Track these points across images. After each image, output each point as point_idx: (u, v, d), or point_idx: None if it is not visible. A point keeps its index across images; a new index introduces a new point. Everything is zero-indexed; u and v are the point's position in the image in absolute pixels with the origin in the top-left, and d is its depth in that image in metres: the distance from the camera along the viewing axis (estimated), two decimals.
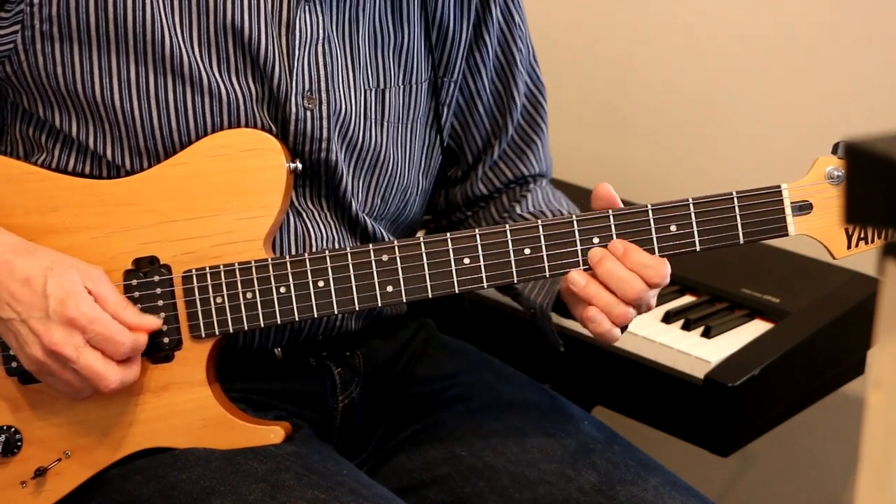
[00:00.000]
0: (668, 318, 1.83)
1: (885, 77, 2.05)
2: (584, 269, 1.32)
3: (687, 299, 1.90)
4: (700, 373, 1.71)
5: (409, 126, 1.48)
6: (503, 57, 1.54)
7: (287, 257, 1.32)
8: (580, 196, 2.15)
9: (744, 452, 1.98)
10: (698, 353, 1.74)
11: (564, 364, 1.84)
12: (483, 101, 1.55)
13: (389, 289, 1.32)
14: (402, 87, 1.46)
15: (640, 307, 1.33)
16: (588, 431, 1.44)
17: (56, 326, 1.26)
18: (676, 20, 2.27)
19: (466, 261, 1.31)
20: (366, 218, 1.44)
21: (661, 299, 1.88)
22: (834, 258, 1.33)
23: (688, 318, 1.81)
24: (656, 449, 1.61)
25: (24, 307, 1.27)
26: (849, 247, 1.32)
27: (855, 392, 2.03)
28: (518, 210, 1.54)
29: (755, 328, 1.82)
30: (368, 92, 1.43)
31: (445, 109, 1.51)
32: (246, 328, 1.33)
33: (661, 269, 1.31)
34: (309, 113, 1.37)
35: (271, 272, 1.32)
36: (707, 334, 1.78)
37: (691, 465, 2.04)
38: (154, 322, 1.31)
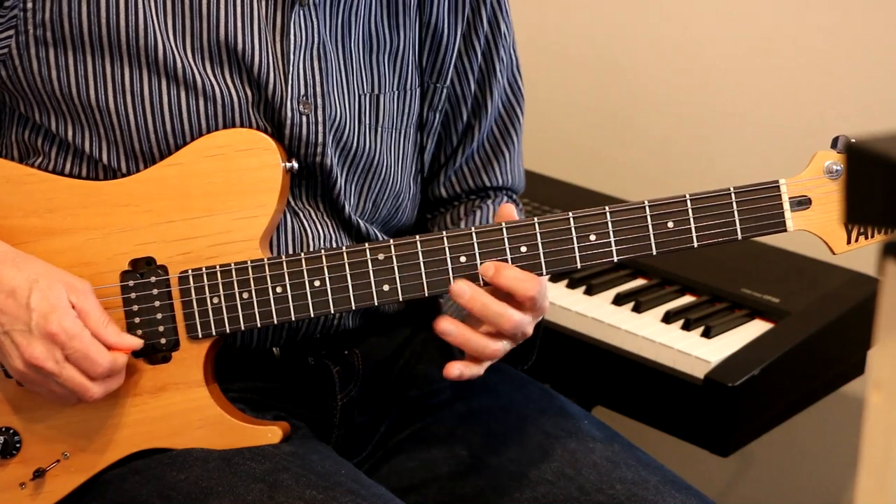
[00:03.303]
0: (668, 318, 1.83)
1: (885, 76, 2.04)
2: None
3: (687, 299, 1.90)
4: (700, 373, 1.71)
5: (403, 131, 1.48)
6: (484, 64, 1.53)
7: (283, 257, 1.32)
8: (580, 196, 2.16)
9: (744, 452, 1.98)
10: (698, 353, 1.73)
11: (564, 364, 1.84)
12: (467, 106, 1.54)
13: (386, 287, 1.31)
14: (396, 92, 1.46)
15: (516, 338, 1.31)
16: (588, 431, 1.44)
17: (37, 341, 1.26)
18: (675, 19, 2.27)
19: (462, 259, 1.31)
20: (358, 220, 1.44)
21: (661, 299, 1.89)
22: (833, 253, 1.32)
23: (688, 318, 1.81)
24: (656, 449, 1.61)
25: (7, 319, 1.27)
26: (848, 242, 1.31)
27: (855, 392, 2.03)
28: (462, 225, 1.54)
29: (755, 328, 1.81)
30: (363, 97, 1.43)
31: (436, 115, 1.51)
32: (243, 328, 1.33)
33: (537, 280, 1.28)
34: (304, 118, 1.37)
35: (267, 272, 1.32)
36: (707, 334, 1.78)
37: (691, 464, 2.04)
38: (134, 342, 1.31)
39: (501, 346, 1.30)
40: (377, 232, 1.47)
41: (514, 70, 1.57)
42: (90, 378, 1.28)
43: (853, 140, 1.26)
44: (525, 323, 1.30)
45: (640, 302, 1.86)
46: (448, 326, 1.30)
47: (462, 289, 1.29)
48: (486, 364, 1.32)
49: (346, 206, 1.43)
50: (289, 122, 1.36)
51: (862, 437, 0.71)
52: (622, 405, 1.86)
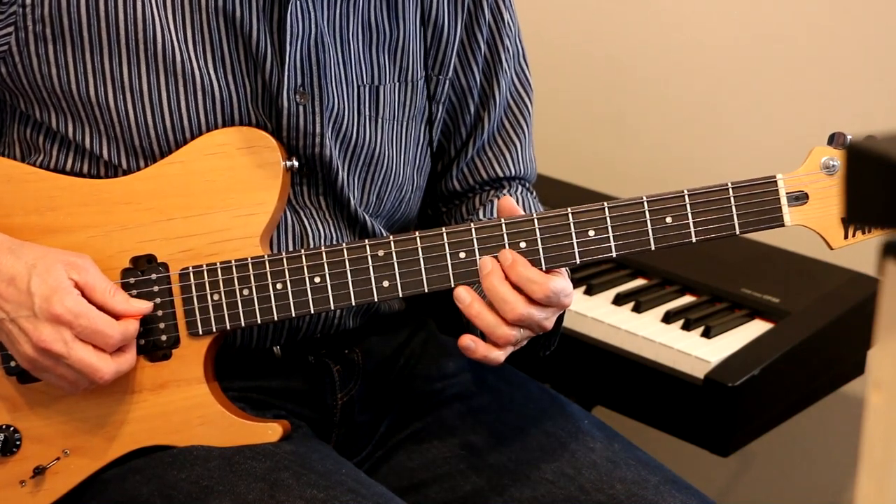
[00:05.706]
0: (668, 318, 1.83)
1: (882, 74, 2.05)
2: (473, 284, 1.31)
3: (687, 299, 1.90)
4: (700, 373, 1.71)
5: (405, 123, 1.48)
6: (489, 54, 1.53)
7: (283, 254, 1.32)
8: (578, 195, 2.16)
9: (744, 452, 1.98)
10: (698, 353, 1.73)
11: (564, 364, 1.84)
12: (474, 97, 1.54)
13: (386, 284, 1.32)
14: (397, 83, 1.46)
15: (531, 328, 1.30)
16: (588, 430, 1.44)
17: (43, 324, 1.26)
18: (675, 18, 2.27)
19: (462, 255, 1.31)
20: (364, 214, 1.44)
21: (662, 299, 1.89)
22: (831, 248, 1.32)
23: (688, 318, 1.81)
24: (656, 449, 1.61)
25: (11, 307, 1.27)
26: (846, 237, 1.31)
27: (855, 392, 2.03)
28: (481, 214, 1.53)
29: (755, 328, 1.81)
30: (362, 88, 1.43)
31: (439, 107, 1.51)
32: (243, 325, 1.33)
33: (547, 286, 1.28)
34: (301, 108, 1.37)
35: (268, 269, 1.32)
36: (707, 334, 1.78)
37: (691, 464, 2.04)
38: (144, 306, 1.32)
39: (509, 334, 1.29)
40: (381, 229, 1.47)
41: (521, 60, 1.57)
42: (104, 352, 1.28)
43: (851, 138, 1.27)
44: (536, 318, 1.28)
45: (640, 302, 1.86)
46: (463, 295, 1.29)
47: (485, 261, 1.29)
48: (504, 350, 1.30)
49: (352, 200, 1.43)
50: (285, 112, 1.36)
51: (862, 437, 0.71)
52: (622, 405, 1.86)
